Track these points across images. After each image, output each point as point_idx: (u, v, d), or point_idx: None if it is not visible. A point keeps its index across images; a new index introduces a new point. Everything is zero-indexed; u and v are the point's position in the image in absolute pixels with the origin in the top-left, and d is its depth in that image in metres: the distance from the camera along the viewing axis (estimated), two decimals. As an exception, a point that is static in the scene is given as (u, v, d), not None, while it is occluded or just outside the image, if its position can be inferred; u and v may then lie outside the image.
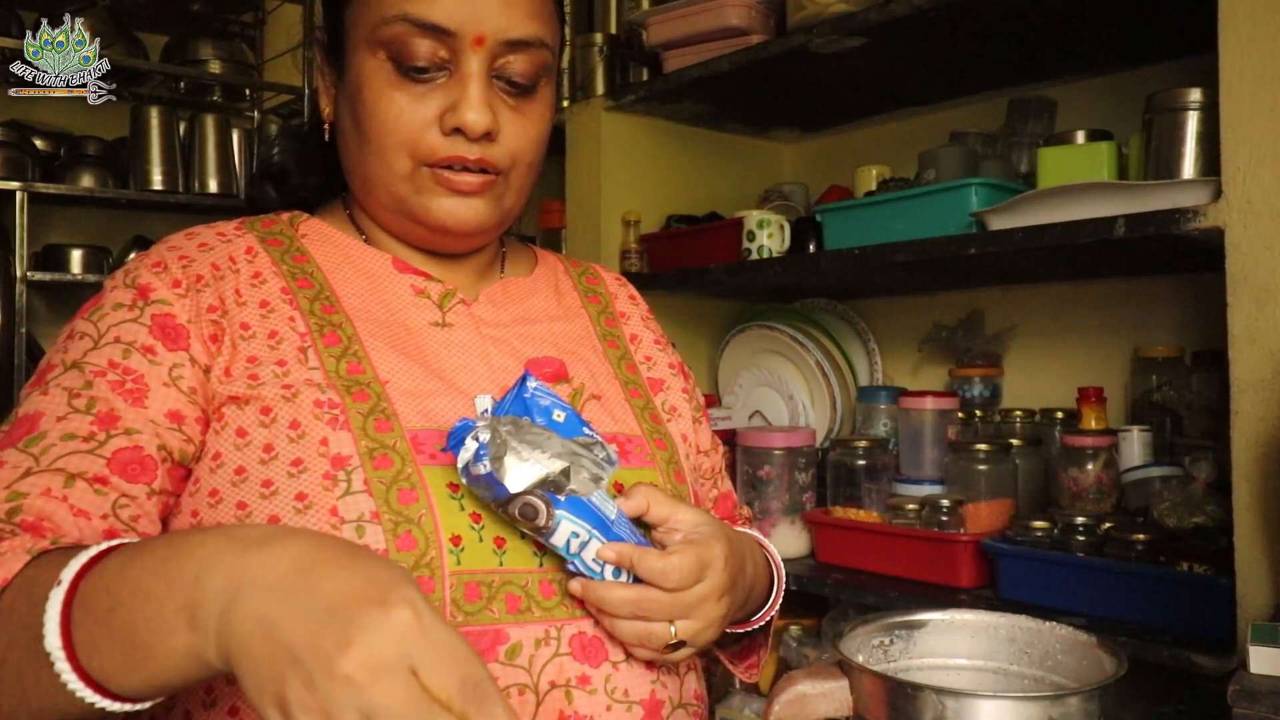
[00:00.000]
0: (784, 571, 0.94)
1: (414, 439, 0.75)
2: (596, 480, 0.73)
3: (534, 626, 0.73)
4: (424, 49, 0.78)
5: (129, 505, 0.71)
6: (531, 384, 0.74)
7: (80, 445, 0.70)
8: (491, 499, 0.70)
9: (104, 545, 0.60)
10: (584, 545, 0.72)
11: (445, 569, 0.71)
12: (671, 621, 0.74)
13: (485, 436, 0.69)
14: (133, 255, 2.88)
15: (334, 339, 0.79)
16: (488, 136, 0.80)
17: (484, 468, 0.68)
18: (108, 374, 0.73)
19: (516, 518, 0.71)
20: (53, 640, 0.56)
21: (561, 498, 0.71)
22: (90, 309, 0.78)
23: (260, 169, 0.98)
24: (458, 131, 0.79)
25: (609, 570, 0.73)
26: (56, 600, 0.57)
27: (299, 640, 0.49)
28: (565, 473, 0.71)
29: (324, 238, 0.88)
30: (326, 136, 0.89)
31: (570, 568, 0.73)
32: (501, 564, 0.73)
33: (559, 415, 0.74)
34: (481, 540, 0.73)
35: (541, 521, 0.70)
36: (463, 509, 0.73)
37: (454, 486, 0.73)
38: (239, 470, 0.73)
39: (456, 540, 0.72)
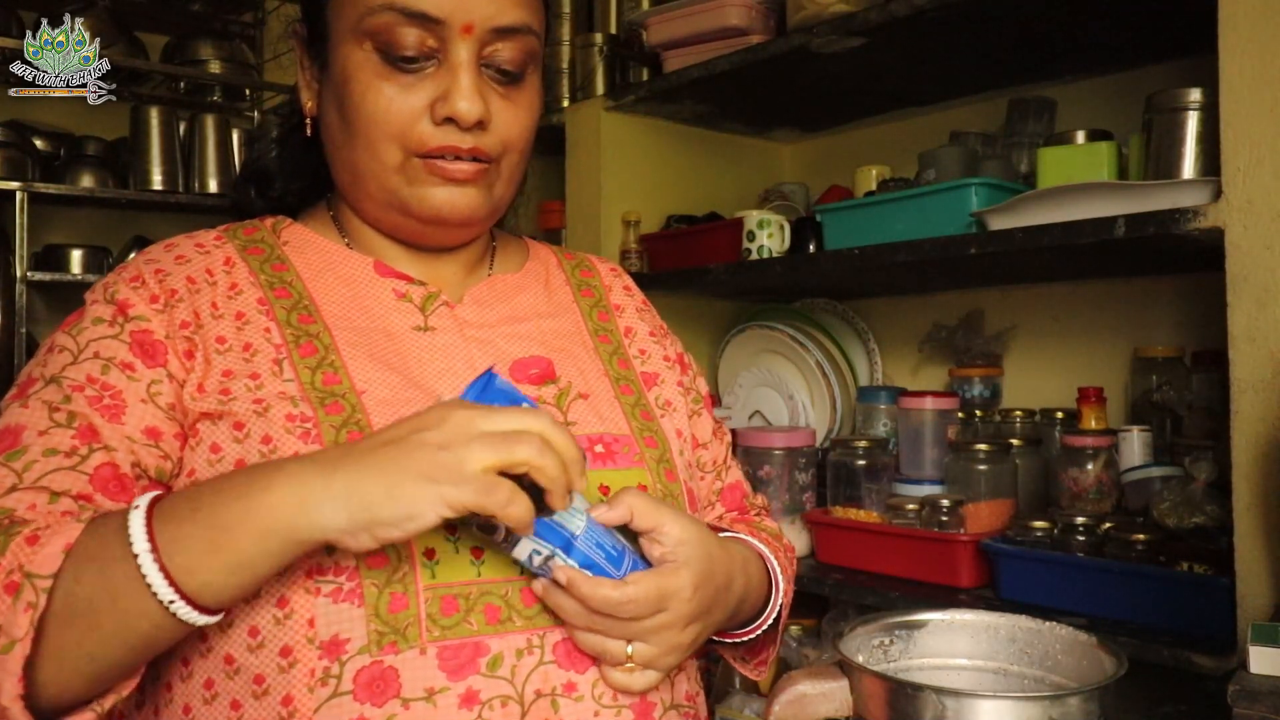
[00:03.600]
0: (780, 580, 0.90)
1: None
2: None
3: (515, 636, 0.72)
4: (412, 38, 0.77)
5: None
6: (497, 383, 0.71)
7: (63, 461, 0.70)
8: None
9: (158, 492, 0.67)
10: (547, 561, 0.70)
11: (419, 584, 0.70)
12: (628, 642, 0.73)
13: None
14: (132, 257, 2.88)
15: (310, 349, 0.78)
16: (480, 125, 0.79)
17: None
18: (86, 389, 0.73)
19: (476, 531, 0.70)
20: (140, 544, 0.62)
21: None
22: (71, 323, 0.78)
23: (244, 173, 0.97)
24: (449, 121, 0.78)
25: None
26: (138, 517, 0.63)
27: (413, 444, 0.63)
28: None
29: (306, 243, 0.87)
30: (309, 132, 0.88)
31: (539, 572, 0.72)
32: (480, 575, 0.72)
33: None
34: (458, 552, 0.72)
35: (499, 537, 0.69)
36: None
37: None
38: None
39: (430, 554, 0.71)
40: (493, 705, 0.70)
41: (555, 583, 0.71)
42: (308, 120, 0.88)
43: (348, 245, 0.87)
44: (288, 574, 0.69)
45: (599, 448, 0.82)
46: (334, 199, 0.90)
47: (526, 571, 0.73)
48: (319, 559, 0.69)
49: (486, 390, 0.70)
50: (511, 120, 0.82)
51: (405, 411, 0.76)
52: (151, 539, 0.62)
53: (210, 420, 0.74)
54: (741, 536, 0.90)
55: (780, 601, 0.90)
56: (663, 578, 0.72)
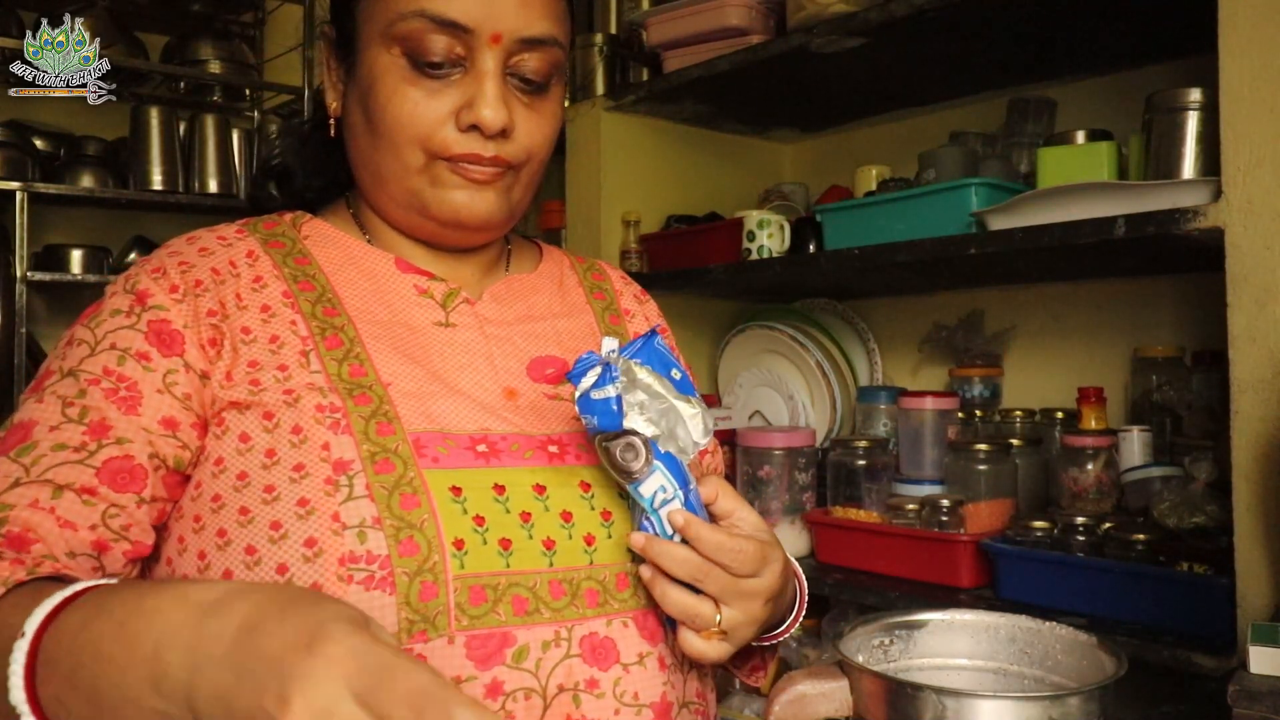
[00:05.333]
0: (806, 594, 0.91)
1: (416, 442, 0.75)
2: (686, 447, 0.74)
3: (542, 628, 0.72)
4: (440, 45, 0.78)
5: (119, 515, 0.71)
6: (657, 339, 0.75)
7: (71, 455, 0.71)
8: (600, 427, 0.70)
9: (66, 593, 0.60)
10: (665, 503, 0.72)
11: (449, 573, 0.70)
12: (718, 608, 0.74)
13: (616, 366, 0.70)
14: (133, 256, 2.88)
15: (336, 342, 0.79)
16: (503, 134, 0.80)
17: (610, 391, 0.69)
18: (102, 381, 0.74)
19: (614, 456, 0.71)
20: (17, 694, 0.57)
21: (662, 450, 0.72)
22: (90, 315, 0.79)
23: (262, 169, 0.98)
24: (474, 128, 0.79)
25: (677, 538, 0.73)
26: (20, 653, 0.58)
27: (251, 709, 0.48)
28: (674, 428, 0.71)
29: (326, 239, 0.87)
30: (332, 132, 0.89)
31: (644, 524, 0.73)
32: (508, 565, 0.73)
33: (675, 374, 0.74)
34: (486, 543, 0.72)
35: (637, 466, 0.71)
36: (465, 512, 0.73)
37: (456, 490, 0.73)
38: (241, 475, 0.73)
39: (459, 544, 0.72)
40: (516, 697, 0.70)
41: (653, 537, 0.73)
42: (331, 120, 0.88)
43: (368, 241, 0.88)
44: (319, 562, 0.69)
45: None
46: (354, 197, 0.91)
47: (560, 564, 0.74)
48: (351, 547, 0.69)
49: (645, 347, 0.73)
50: (534, 129, 0.83)
51: (431, 404, 0.77)
52: (31, 689, 0.58)
53: (238, 410, 0.75)
54: None
55: (801, 612, 0.90)
56: (764, 544, 0.75)
